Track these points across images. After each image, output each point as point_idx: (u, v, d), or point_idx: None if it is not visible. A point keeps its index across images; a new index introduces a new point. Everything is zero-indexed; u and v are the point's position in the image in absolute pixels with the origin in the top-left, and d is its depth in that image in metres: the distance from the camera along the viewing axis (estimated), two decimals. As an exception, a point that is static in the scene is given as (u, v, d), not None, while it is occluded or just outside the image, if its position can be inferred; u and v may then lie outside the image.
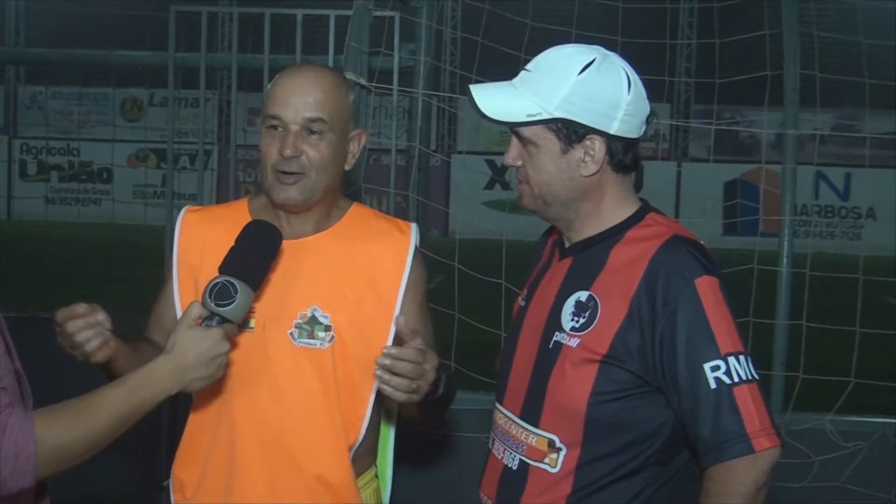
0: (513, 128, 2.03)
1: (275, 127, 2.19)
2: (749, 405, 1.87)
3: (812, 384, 4.06)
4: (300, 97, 2.18)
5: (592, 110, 1.97)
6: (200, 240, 2.28)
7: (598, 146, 1.99)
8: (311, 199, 2.23)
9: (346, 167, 2.29)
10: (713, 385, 1.88)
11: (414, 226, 2.36)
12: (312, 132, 2.18)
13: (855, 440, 3.92)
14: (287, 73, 2.25)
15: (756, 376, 1.91)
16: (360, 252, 2.27)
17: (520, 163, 2.05)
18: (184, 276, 2.28)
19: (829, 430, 3.92)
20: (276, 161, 2.19)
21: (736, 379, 1.88)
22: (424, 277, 2.34)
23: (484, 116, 2.01)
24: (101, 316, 2.00)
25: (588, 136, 1.99)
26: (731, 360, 1.89)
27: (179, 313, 2.20)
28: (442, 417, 2.44)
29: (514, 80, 2.06)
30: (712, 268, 1.96)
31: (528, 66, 2.05)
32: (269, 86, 2.26)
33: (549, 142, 2.00)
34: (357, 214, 2.34)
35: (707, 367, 1.88)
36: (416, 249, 2.32)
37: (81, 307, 1.99)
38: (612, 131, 1.99)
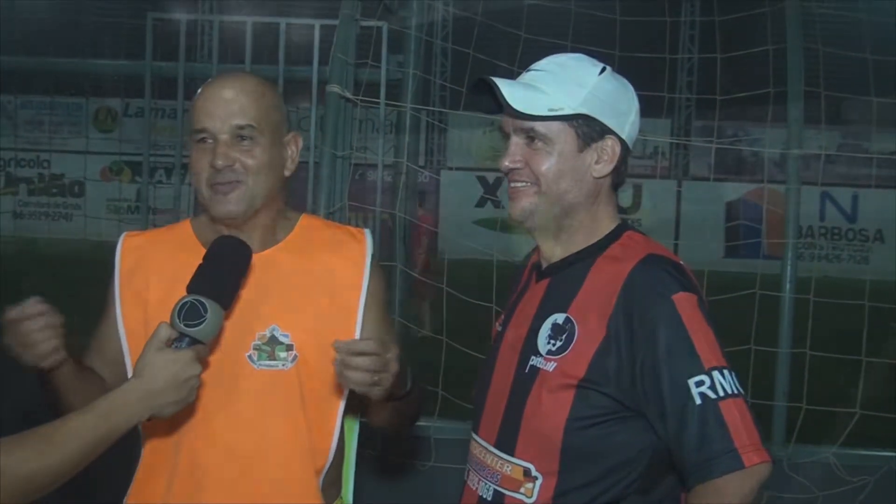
0: (524, 123, 1.96)
1: (204, 140, 2.13)
2: (736, 420, 1.82)
3: (816, 415, 3.99)
4: (225, 105, 2.12)
5: (613, 110, 1.97)
6: (144, 264, 2.20)
7: (612, 146, 1.97)
8: (252, 208, 2.15)
9: (286, 173, 2.22)
10: (698, 401, 1.82)
11: (367, 231, 2.31)
12: (243, 139, 2.12)
13: (861, 474, 3.87)
14: (209, 83, 2.20)
15: (741, 391, 1.87)
16: (316, 264, 2.21)
17: (520, 165, 1.98)
18: (128, 302, 2.19)
19: (833, 463, 3.87)
20: (209, 175, 2.12)
21: (721, 393, 1.83)
22: (383, 284, 2.29)
23: (508, 107, 1.94)
24: (58, 318, 1.93)
25: (606, 136, 1.97)
26: (716, 374, 1.84)
27: (124, 341, 2.15)
28: (414, 419, 2.36)
29: (523, 80, 2.00)
30: (689, 285, 1.92)
31: (539, 67, 2.00)
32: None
33: (566, 138, 1.96)
34: (308, 225, 2.28)
35: (691, 382, 1.83)
36: (373, 256, 2.26)
37: (37, 306, 1.91)
38: (623, 135, 1.98)
